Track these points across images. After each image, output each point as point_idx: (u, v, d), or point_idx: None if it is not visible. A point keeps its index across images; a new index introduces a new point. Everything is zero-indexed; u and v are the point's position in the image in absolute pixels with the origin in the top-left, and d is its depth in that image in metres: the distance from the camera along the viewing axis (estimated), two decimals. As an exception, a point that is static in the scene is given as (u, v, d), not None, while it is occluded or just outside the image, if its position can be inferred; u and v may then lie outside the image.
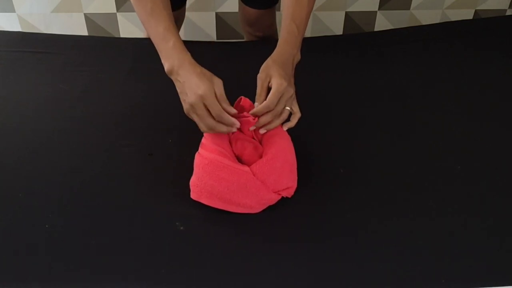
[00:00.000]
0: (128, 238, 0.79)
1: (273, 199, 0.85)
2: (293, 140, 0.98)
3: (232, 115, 0.84)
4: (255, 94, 0.89)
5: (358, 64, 1.28)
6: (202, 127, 0.85)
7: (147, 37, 1.48)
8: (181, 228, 0.80)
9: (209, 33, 1.91)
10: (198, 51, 1.33)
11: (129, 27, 1.87)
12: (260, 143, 0.90)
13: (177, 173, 0.91)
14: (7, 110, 1.08)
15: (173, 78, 0.88)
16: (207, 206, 0.84)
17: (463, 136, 1.01)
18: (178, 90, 0.88)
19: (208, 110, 0.82)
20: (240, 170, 0.83)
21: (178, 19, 1.45)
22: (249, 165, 0.85)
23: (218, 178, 0.82)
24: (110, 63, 1.26)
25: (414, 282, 0.73)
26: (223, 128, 0.83)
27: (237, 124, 0.84)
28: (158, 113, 1.08)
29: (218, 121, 0.83)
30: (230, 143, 0.89)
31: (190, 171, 0.90)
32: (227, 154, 0.85)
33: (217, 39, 1.94)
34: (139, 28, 1.86)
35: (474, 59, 1.28)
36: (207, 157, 0.85)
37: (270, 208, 0.84)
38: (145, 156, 0.95)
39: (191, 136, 1.01)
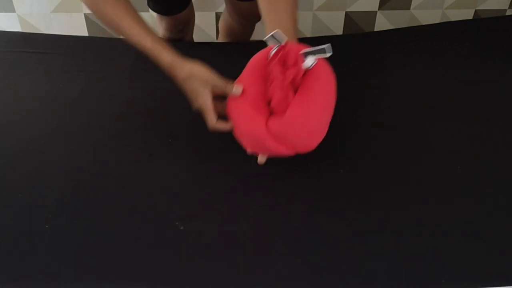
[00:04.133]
0: (128, 238, 0.79)
1: (287, 154, 0.85)
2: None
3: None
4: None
5: (358, 64, 1.28)
6: (207, 124, 0.89)
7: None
8: (181, 228, 0.81)
9: (209, 33, 1.91)
10: (198, 51, 1.33)
11: (129, 27, 1.87)
12: (296, 91, 0.83)
13: (177, 173, 0.91)
14: (7, 110, 1.08)
15: None
16: (207, 206, 0.84)
17: (463, 136, 1.01)
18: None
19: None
20: (255, 124, 0.82)
21: (189, 20, 1.45)
22: (274, 112, 0.83)
23: (236, 122, 0.85)
24: (110, 64, 1.26)
25: (414, 282, 0.73)
26: (225, 128, 0.87)
27: (229, 128, 0.87)
28: (158, 113, 1.08)
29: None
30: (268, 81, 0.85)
31: (190, 171, 0.91)
32: (256, 95, 0.84)
33: (217, 39, 1.94)
34: (139, 28, 1.86)
35: (474, 59, 1.28)
36: (234, 101, 0.85)
37: (270, 208, 0.84)
38: (145, 156, 0.95)
39: (191, 136, 1.01)
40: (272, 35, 0.82)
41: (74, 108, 1.09)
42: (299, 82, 0.83)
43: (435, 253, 0.77)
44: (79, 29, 1.86)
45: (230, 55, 1.31)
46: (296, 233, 0.81)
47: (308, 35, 1.93)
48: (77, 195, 0.86)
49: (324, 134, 0.87)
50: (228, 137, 1.01)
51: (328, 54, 0.80)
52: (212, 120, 0.86)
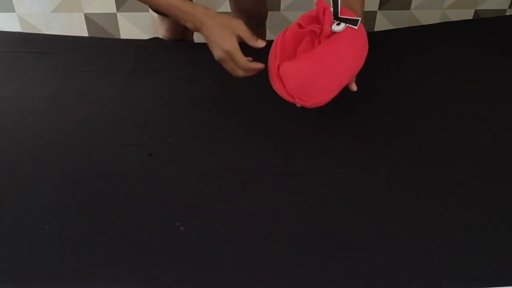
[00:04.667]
0: (128, 238, 0.79)
1: (288, 98, 0.91)
2: (292, 140, 0.98)
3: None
4: (255, 94, 0.89)
5: (358, 64, 1.28)
6: (235, 75, 0.95)
7: (147, 38, 1.48)
8: (181, 228, 0.80)
9: (209, 33, 1.91)
10: (198, 51, 1.33)
11: (129, 27, 1.87)
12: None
13: (177, 173, 0.91)
14: (6, 110, 1.08)
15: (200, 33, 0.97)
16: (207, 206, 0.84)
17: (463, 136, 1.01)
18: (207, 42, 0.96)
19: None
20: (272, 59, 0.91)
21: None
22: None
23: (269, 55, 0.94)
24: (110, 64, 1.26)
25: (414, 282, 0.73)
26: (253, 72, 0.93)
27: (262, 67, 0.93)
28: (158, 113, 1.08)
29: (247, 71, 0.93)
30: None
31: (190, 171, 0.90)
32: (293, 39, 0.92)
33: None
34: (140, 28, 1.86)
35: (474, 59, 1.28)
36: (277, 37, 0.94)
37: (270, 208, 0.84)
38: (145, 156, 0.95)
39: (191, 136, 1.01)
40: None
41: (74, 108, 1.09)
42: (323, 40, 0.89)
43: (435, 253, 0.77)
44: (79, 29, 1.87)
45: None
46: (296, 233, 0.81)
47: (308, 35, 1.93)
48: (77, 195, 0.86)
49: (325, 97, 0.91)
50: (228, 137, 1.01)
51: (355, 27, 0.89)
52: (243, 60, 0.91)
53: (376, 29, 1.96)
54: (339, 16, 0.89)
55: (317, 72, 0.88)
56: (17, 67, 1.23)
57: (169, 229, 0.80)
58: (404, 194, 0.87)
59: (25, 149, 0.97)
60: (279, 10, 1.89)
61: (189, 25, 0.96)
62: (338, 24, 0.89)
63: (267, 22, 1.61)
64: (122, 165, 0.93)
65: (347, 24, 0.89)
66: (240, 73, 0.94)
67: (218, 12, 0.95)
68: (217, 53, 0.93)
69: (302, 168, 0.92)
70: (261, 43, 0.92)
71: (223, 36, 0.91)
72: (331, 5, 0.90)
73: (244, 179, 0.90)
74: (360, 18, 0.90)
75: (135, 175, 0.91)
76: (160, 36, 1.47)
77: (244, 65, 0.92)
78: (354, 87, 0.95)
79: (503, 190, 0.88)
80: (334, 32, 0.89)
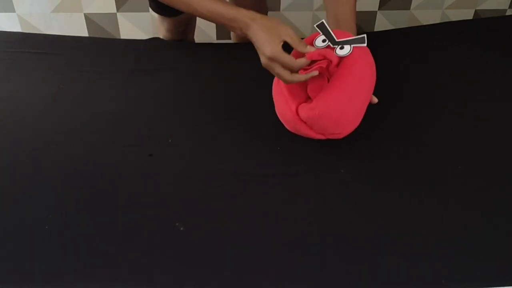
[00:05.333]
0: (128, 238, 0.79)
1: (317, 138, 0.91)
2: (292, 140, 0.98)
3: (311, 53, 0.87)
4: (255, 94, 0.89)
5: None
6: (282, 81, 0.90)
7: (147, 38, 1.48)
8: (181, 228, 0.80)
9: (209, 33, 1.92)
10: (198, 51, 1.33)
11: (129, 27, 1.87)
12: (329, 79, 0.90)
13: (177, 173, 0.91)
14: (7, 110, 1.08)
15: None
16: (207, 206, 0.84)
17: (464, 136, 1.01)
18: (255, 46, 0.91)
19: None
20: (287, 107, 0.90)
21: (190, 20, 1.46)
22: (310, 97, 0.90)
23: (275, 102, 0.95)
24: (110, 64, 1.26)
25: (414, 282, 0.73)
26: (302, 78, 0.87)
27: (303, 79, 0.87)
28: (158, 113, 1.08)
29: (297, 71, 0.87)
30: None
31: (190, 171, 0.90)
32: (295, 85, 0.90)
33: (217, 39, 1.94)
34: (139, 28, 1.86)
35: (474, 59, 1.28)
36: (275, 82, 0.94)
37: (270, 208, 0.84)
38: (145, 156, 0.95)
39: (191, 136, 1.01)
40: (316, 25, 0.88)
41: (74, 108, 1.09)
42: (333, 70, 0.88)
43: (435, 253, 0.77)
44: (79, 29, 1.87)
45: (230, 55, 1.31)
46: (296, 233, 0.81)
47: (308, 35, 1.93)
48: (77, 195, 0.86)
49: (357, 122, 0.92)
50: (228, 137, 1.01)
51: (364, 44, 0.88)
52: (289, 60, 0.85)
53: (376, 29, 1.96)
54: (337, 40, 0.88)
55: (347, 102, 0.88)
56: (17, 67, 1.23)
57: (169, 229, 0.80)
58: (404, 194, 0.87)
59: (25, 149, 0.97)
60: (279, 10, 1.89)
61: (237, 31, 0.93)
62: (341, 48, 0.88)
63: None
64: (122, 165, 0.93)
65: (353, 45, 0.88)
66: (288, 77, 0.87)
67: (266, 15, 0.91)
68: (261, 59, 0.89)
69: (302, 168, 0.92)
70: (310, 49, 0.86)
71: (265, 40, 0.86)
72: (320, 32, 0.89)
73: (244, 179, 0.90)
74: (365, 35, 0.89)
75: (135, 175, 0.91)
76: (160, 36, 1.47)
77: (292, 63, 0.85)
78: (375, 100, 0.95)
79: (503, 190, 0.88)
80: (341, 57, 0.88)
